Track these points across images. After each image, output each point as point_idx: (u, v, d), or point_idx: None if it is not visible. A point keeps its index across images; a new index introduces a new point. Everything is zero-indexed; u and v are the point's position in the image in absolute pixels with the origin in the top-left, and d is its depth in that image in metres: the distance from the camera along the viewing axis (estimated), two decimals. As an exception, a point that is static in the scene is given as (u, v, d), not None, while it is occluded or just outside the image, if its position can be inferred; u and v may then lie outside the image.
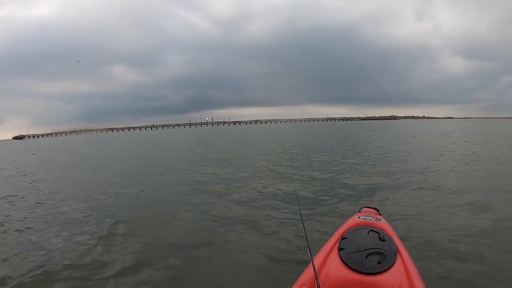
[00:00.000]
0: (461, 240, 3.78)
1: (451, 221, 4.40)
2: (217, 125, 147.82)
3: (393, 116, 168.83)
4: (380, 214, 2.79)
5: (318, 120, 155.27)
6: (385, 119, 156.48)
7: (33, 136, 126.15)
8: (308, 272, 2.00)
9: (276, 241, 4.02)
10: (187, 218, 5.21)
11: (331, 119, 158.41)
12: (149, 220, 5.21)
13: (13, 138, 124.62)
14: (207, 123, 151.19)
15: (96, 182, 9.30)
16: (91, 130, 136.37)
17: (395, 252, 2.12)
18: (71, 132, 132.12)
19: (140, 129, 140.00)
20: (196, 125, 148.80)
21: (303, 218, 2.46)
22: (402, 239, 2.42)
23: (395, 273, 1.96)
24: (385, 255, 2.06)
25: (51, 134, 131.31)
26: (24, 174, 11.99)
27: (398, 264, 2.02)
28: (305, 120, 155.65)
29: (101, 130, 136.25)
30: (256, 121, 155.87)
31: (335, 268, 2.05)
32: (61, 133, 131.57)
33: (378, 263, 2.01)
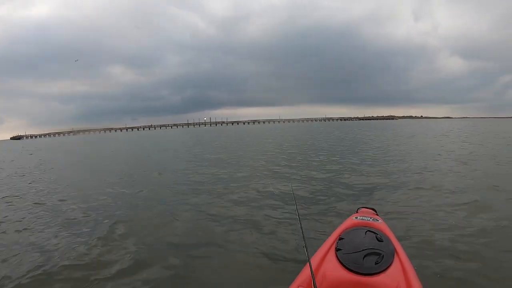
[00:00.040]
0: (459, 239, 3.79)
1: (449, 221, 4.42)
2: (215, 125, 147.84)
3: (391, 116, 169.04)
4: (377, 215, 2.79)
5: (316, 120, 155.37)
6: (383, 119, 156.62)
7: (31, 136, 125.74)
8: (305, 273, 2.00)
9: (273, 241, 4.03)
10: (186, 218, 5.21)
11: (329, 119, 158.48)
12: (148, 220, 5.21)
13: (11, 138, 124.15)
14: (205, 123, 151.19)
15: (94, 182, 9.28)
16: (89, 130, 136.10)
17: (393, 252, 2.12)
18: (69, 132, 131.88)
19: (138, 129, 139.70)
20: (194, 125, 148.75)
21: (301, 218, 2.45)
22: (399, 239, 2.43)
23: (392, 273, 1.95)
24: (383, 255, 2.06)
25: (48, 134, 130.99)
26: (22, 175, 11.96)
27: (395, 265, 2.02)
28: (303, 120, 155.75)
29: (99, 130, 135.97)
30: (254, 121, 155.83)
31: (332, 268, 2.05)
32: (59, 133, 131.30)
33: (376, 263, 2.01)
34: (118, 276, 3.35)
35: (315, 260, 2.13)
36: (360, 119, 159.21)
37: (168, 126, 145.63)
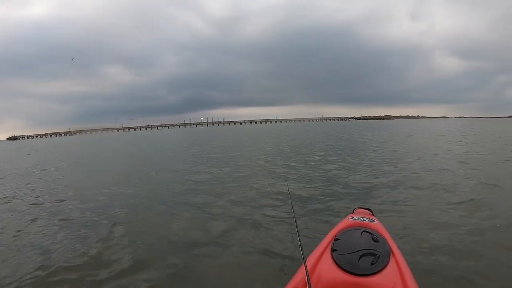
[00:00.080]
0: (455, 239, 3.79)
1: (445, 220, 4.42)
2: (211, 125, 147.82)
3: (388, 115, 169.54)
4: (373, 215, 2.78)
5: (313, 120, 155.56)
6: (379, 118, 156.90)
7: (28, 137, 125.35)
8: (301, 274, 1.98)
9: (269, 242, 4.01)
10: (184, 218, 5.20)
11: (326, 119, 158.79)
12: (148, 220, 5.22)
13: (8, 139, 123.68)
14: (202, 123, 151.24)
15: (93, 182, 9.25)
16: (85, 131, 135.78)
17: (389, 253, 2.10)
18: (65, 133, 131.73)
19: (134, 129, 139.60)
20: (191, 125, 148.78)
21: (297, 218, 2.44)
22: (395, 239, 2.41)
23: (388, 274, 1.94)
24: (378, 256, 2.05)
25: (45, 135, 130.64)
26: (19, 175, 11.89)
27: (391, 265, 2.01)
28: (300, 120, 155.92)
29: (96, 131, 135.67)
30: (251, 121, 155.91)
31: (328, 269, 2.03)
32: (55, 133, 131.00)
33: (371, 264, 1.99)
34: (118, 276, 3.33)
35: (310, 260, 2.11)
36: (357, 118, 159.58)
37: (165, 126, 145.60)
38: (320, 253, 2.20)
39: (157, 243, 4.19)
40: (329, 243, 2.28)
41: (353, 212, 2.85)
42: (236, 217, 5.05)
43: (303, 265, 1.85)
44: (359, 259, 2.03)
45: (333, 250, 2.16)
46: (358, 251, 2.10)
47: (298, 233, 2.24)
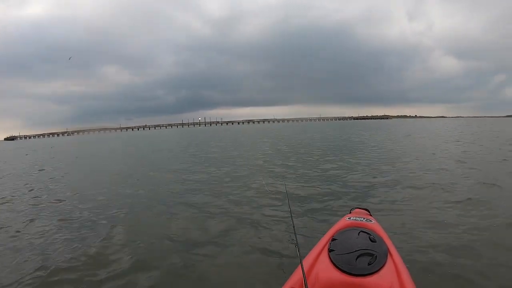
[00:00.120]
0: (453, 238, 3.78)
1: (443, 220, 4.41)
2: (209, 125, 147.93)
3: (385, 115, 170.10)
4: (371, 215, 2.78)
5: (311, 120, 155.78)
6: (377, 118, 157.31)
7: (25, 137, 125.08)
8: (297, 274, 1.97)
9: (267, 242, 4.00)
10: (183, 218, 5.19)
11: (324, 118, 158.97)
12: (146, 220, 5.22)
13: (5, 139, 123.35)
14: (199, 123, 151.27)
15: (91, 182, 9.23)
16: (83, 131, 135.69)
17: (386, 253, 2.10)
18: (63, 133, 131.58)
19: (132, 129, 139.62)
20: (188, 125, 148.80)
21: (294, 218, 2.43)
22: (393, 239, 2.41)
23: (385, 274, 1.93)
24: (376, 256, 2.04)
25: (43, 135, 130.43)
26: (18, 175, 11.86)
27: (388, 265, 2.00)
28: (298, 120, 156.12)
29: (94, 131, 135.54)
30: (249, 121, 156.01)
31: (325, 269, 2.02)
32: (53, 134, 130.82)
33: (369, 264, 1.98)
34: (117, 276, 3.32)
35: (307, 261, 2.10)
36: (354, 118, 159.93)
37: (163, 126, 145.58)
38: (317, 253, 2.19)
39: (156, 243, 4.18)
40: (326, 243, 2.27)
41: (350, 212, 2.85)
42: (234, 217, 5.04)
43: (300, 265, 1.84)
44: (356, 259, 2.03)
45: (330, 250, 2.15)
46: (356, 251, 2.09)
47: (295, 233, 2.23)
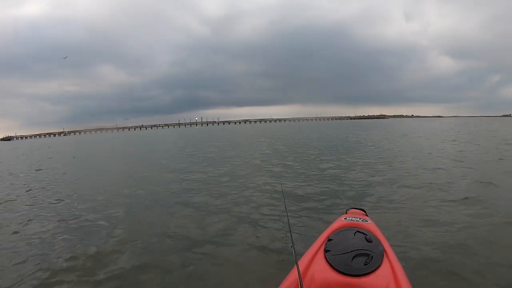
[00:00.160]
0: (450, 237, 3.82)
1: (440, 219, 4.43)
2: (206, 125, 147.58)
3: (382, 115, 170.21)
4: (367, 215, 2.78)
5: (308, 119, 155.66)
6: (373, 118, 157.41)
7: (22, 137, 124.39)
8: (293, 275, 1.97)
9: (262, 242, 4.01)
10: (182, 218, 5.22)
11: (321, 118, 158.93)
12: (145, 220, 5.23)
13: (1, 139, 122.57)
14: (196, 123, 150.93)
15: (89, 182, 9.23)
16: (80, 131, 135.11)
17: (382, 253, 2.10)
18: (60, 133, 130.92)
19: (129, 129, 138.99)
20: (185, 125, 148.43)
21: (291, 218, 2.43)
22: (389, 239, 2.42)
23: (381, 274, 1.94)
24: (372, 256, 2.04)
25: (39, 135, 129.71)
26: (15, 176, 11.83)
27: (384, 265, 2.01)
28: (295, 119, 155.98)
29: (90, 131, 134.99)
30: (245, 121, 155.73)
31: (321, 270, 2.02)
32: (49, 134, 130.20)
33: (365, 264, 1.99)
34: (117, 276, 3.33)
35: (303, 261, 2.10)
36: (351, 118, 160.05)
37: (159, 126, 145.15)
38: (313, 254, 2.19)
39: (155, 243, 4.19)
40: (322, 244, 2.27)
41: (346, 213, 2.84)
42: (232, 217, 5.06)
43: (296, 266, 1.84)
44: (352, 259, 2.03)
45: (326, 251, 2.15)
46: (351, 251, 2.09)
47: (291, 233, 2.23)
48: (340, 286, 1.90)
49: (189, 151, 18.18)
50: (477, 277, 2.94)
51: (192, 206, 5.82)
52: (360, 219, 2.56)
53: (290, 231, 2.25)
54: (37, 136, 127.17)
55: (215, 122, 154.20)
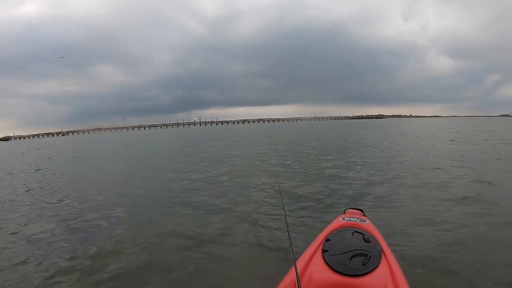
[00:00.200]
0: (448, 236, 3.83)
1: (439, 219, 4.45)
2: (204, 125, 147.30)
3: (380, 115, 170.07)
4: (364, 215, 2.79)
5: (306, 119, 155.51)
6: (372, 118, 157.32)
7: (20, 137, 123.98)
8: (291, 275, 1.97)
9: (260, 242, 4.03)
10: (181, 217, 5.23)
11: (319, 118, 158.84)
12: (145, 220, 5.23)
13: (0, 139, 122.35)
14: (194, 123, 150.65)
15: (89, 182, 9.24)
16: (78, 131, 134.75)
17: (380, 253, 2.11)
18: (58, 133, 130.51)
19: (127, 129, 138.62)
20: (183, 125, 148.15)
21: (288, 219, 2.43)
22: (387, 239, 2.43)
23: (379, 274, 1.95)
24: (370, 256, 2.05)
25: (38, 135, 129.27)
26: (14, 176, 11.81)
27: (382, 265, 2.02)
28: (293, 119, 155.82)
29: (89, 131, 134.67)
30: (244, 121, 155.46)
31: (319, 270, 2.03)
32: (48, 134, 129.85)
33: (363, 264, 2.00)
34: (117, 276, 3.34)
35: (301, 262, 2.11)
36: (350, 118, 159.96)
37: (158, 126, 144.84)
38: (311, 254, 2.20)
39: (155, 243, 4.20)
40: (320, 244, 2.28)
41: (344, 213, 2.85)
42: (231, 216, 5.07)
43: (293, 266, 1.85)
44: (350, 259, 2.04)
45: (324, 251, 2.16)
46: (350, 251, 2.10)
47: (288, 233, 2.23)
48: (338, 286, 1.91)
49: (188, 151, 18.18)
50: (475, 276, 2.96)
51: (192, 205, 5.84)
52: (358, 219, 2.57)
53: (288, 231, 2.25)
54: (36, 136, 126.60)
55: (213, 122, 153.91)
